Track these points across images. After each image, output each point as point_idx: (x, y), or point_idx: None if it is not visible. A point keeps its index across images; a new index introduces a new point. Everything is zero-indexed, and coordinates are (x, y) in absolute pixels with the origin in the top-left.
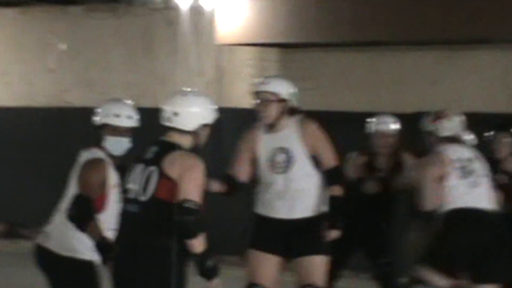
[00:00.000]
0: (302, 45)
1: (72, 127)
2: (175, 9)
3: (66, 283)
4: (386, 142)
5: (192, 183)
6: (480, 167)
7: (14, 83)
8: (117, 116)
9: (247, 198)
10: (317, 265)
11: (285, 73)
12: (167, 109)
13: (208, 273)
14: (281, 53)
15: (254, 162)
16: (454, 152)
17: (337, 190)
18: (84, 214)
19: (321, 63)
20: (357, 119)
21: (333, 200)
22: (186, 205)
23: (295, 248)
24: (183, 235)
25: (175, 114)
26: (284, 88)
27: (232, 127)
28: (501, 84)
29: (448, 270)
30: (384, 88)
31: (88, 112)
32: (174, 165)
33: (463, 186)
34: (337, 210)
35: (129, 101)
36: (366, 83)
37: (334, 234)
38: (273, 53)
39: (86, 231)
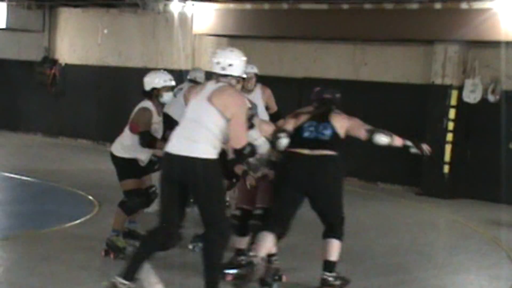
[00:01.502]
0: (242, 36)
1: (108, 77)
2: (170, 13)
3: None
4: None
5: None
6: None
7: (77, 51)
8: (170, 80)
9: None
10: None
11: None
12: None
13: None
14: (229, 40)
15: None
16: None
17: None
18: (151, 140)
19: (252, 47)
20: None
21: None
22: None
23: None
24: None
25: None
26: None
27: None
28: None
29: None
30: (283, 62)
31: (118, 69)
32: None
33: None
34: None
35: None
36: (277, 59)
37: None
38: (224, 40)
39: (156, 147)
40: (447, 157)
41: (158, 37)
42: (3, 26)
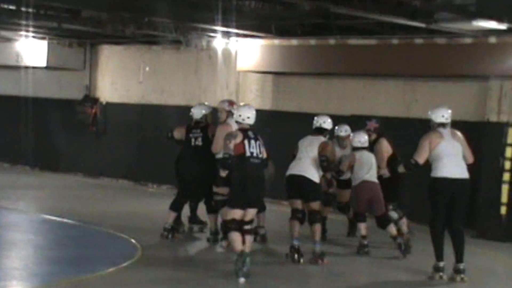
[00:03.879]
0: (286, 73)
1: (150, 116)
2: (213, 49)
3: None
4: None
5: None
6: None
7: (119, 88)
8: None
9: None
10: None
11: (276, 89)
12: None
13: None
14: (274, 77)
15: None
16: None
17: None
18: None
19: (297, 83)
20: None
21: None
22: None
23: None
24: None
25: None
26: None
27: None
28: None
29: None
30: (331, 99)
31: (160, 107)
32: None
33: None
34: None
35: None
36: (324, 96)
37: None
38: (269, 77)
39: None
40: (504, 198)
41: (201, 74)
42: (44, 64)
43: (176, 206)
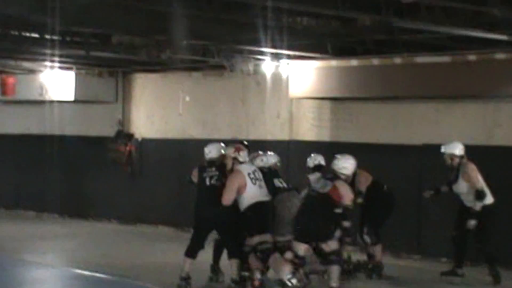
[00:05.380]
0: (346, 98)
1: (192, 152)
2: (262, 74)
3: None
4: None
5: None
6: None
7: (156, 122)
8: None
9: None
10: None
11: (334, 117)
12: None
13: None
14: (332, 103)
15: None
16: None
17: None
18: None
19: (359, 110)
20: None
21: None
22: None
23: None
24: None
25: (344, 168)
26: None
27: (298, 154)
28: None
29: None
30: (398, 126)
31: (204, 142)
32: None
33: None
34: None
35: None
36: (390, 123)
37: None
38: (326, 103)
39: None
40: None
41: (248, 103)
42: (71, 98)
43: (191, 251)
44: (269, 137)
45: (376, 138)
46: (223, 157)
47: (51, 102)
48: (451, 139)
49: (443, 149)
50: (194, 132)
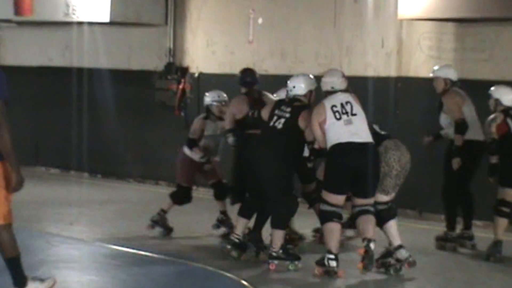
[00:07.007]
0: (477, 19)
1: (266, 91)
2: None
3: None
4: None
5: None
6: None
7: (218, 52)
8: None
9: None
10: None
11: (460, 46)
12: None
13: None
14: (457, 27)
15: None
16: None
17: None
18: None
19: (495, 36)
20: None
21: None
22: None
23: None
24: None
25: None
26: None
27: (410, 95)
28: None
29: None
30: None
31: (281, 79)
32: None
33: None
34: None
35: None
36: None
37: None
38: (449, 27)
39: None
40: None
41: (341, 26)
42: (106, 19)
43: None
44: (370, 72)
45: None
46: (310, 93)
47: (80, 24)
48: None
49: None
50: (269, 66)
